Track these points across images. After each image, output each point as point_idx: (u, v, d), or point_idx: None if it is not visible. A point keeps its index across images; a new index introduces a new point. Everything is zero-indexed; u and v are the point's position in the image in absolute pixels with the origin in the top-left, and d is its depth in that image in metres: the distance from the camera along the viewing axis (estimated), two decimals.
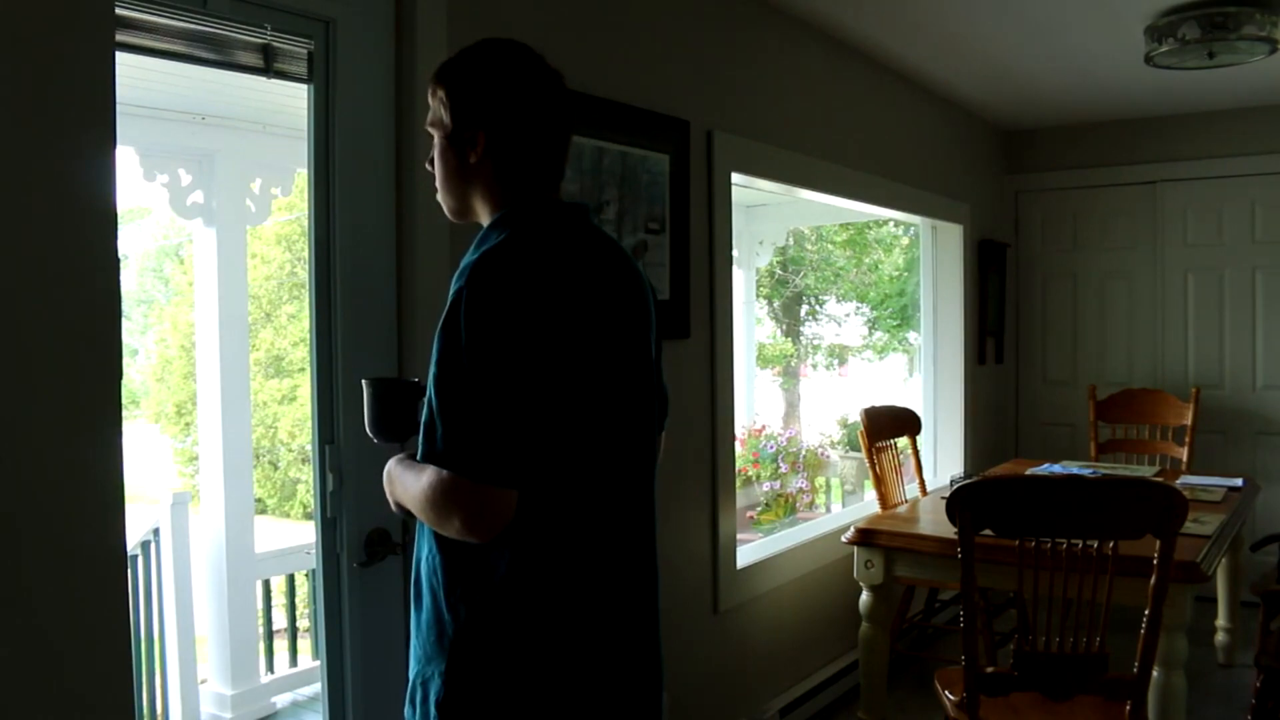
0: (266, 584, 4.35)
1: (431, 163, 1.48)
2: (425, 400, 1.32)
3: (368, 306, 1.99)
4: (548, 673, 1.34)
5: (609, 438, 1.40)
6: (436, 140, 1.46)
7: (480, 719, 1.33)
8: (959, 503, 2.31)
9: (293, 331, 10.42)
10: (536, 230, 1.39)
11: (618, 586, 1.42)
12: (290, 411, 10.30)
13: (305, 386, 8.58)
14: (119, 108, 1.42)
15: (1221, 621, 4.05)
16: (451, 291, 1.32)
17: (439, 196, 1.50)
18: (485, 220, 1.45)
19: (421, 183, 1.96)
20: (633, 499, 1.46)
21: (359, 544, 1.95)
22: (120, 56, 1.45)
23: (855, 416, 4.69)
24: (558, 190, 1.48)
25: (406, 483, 1.37)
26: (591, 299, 1.38)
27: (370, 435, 1.55)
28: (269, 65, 1.86)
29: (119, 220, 1.43)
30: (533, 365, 1.28)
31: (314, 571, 2.32)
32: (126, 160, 3.48)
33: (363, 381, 1.57)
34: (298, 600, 4.83)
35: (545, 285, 1.32)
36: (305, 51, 1.89)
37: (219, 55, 1.81)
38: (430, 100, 1.46)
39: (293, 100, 2.44)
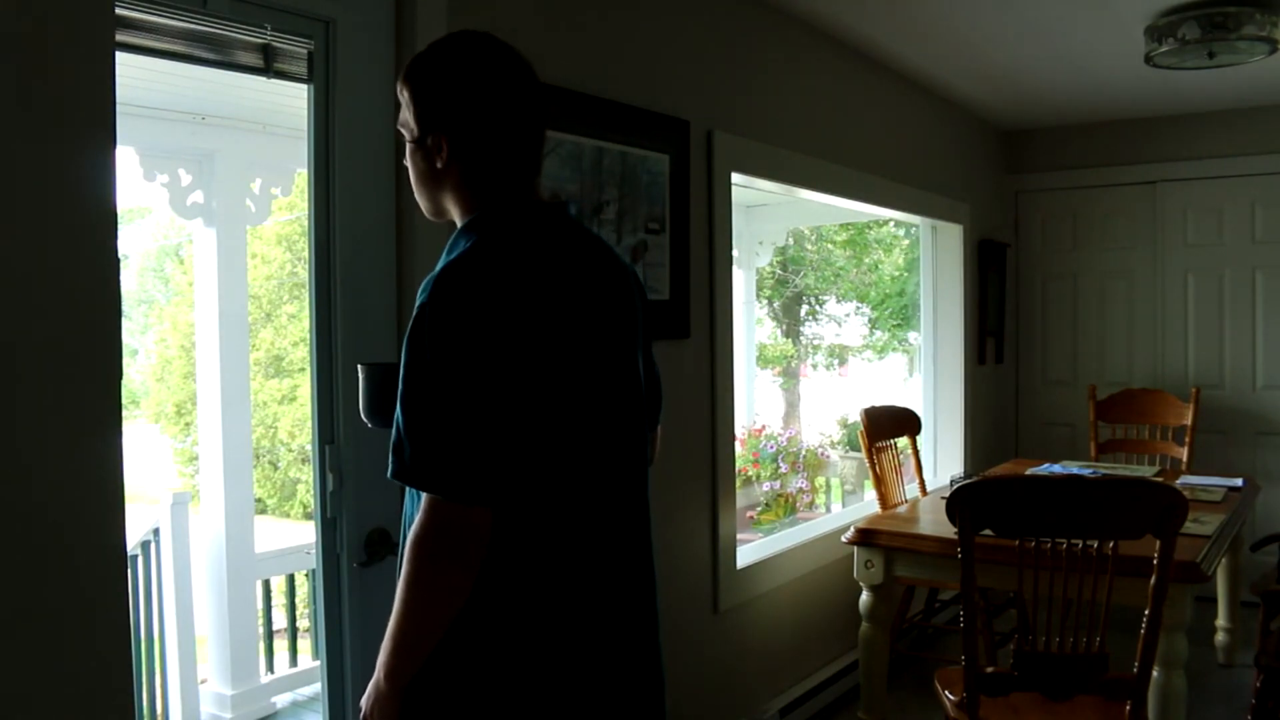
0: (266, 584, 4.35)
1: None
2: (393, 418, 1.28)
3: (368, 306, 1.99)
4: (546, 679, 1.33)
5: (592, 442, 1.37)
6: (407, 142, 1.43)
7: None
8: (959, 503, 2.30)
9: (293, 331, 10.43)
10: (505, 235, 1.35)
11: (613, 591, 1.40)
12: (290, 411, 10.31)
13: (305, 386, 8.58)
14: (119, 108, 1.42)
15: (1221, 621, 4.05)
16: (416, 305, 1.29)
17: (415, 197, 1.47)
18: (459, 221, 1.42)
19: None
20: (623, 501, 1.43)
21: (359, 544, 1.95)
22: (120, 56, 1.45)
23: (855, 416, 4.69)
24: (534, 187, 1.43)
25: (390, 633, 1.30)
26: (565, 301, 1.34)
27: (365, 420, 1.55)
28: (269, 65, 1.86)
29: (119, 220, 1.43)
30: (499, 377, 1.25)
31: (314, 571, 2.33)
32: (126, 160, 3.48)
33: (358, 366, 1.58)
34: (298, 600, 4.83)
35: (510, 294, 1.28)
36: (305, 51, 1.89)
37: (219, 55, 1.81)
38: (400, 98, 1.42)
39: (293, 100, 2.44)
